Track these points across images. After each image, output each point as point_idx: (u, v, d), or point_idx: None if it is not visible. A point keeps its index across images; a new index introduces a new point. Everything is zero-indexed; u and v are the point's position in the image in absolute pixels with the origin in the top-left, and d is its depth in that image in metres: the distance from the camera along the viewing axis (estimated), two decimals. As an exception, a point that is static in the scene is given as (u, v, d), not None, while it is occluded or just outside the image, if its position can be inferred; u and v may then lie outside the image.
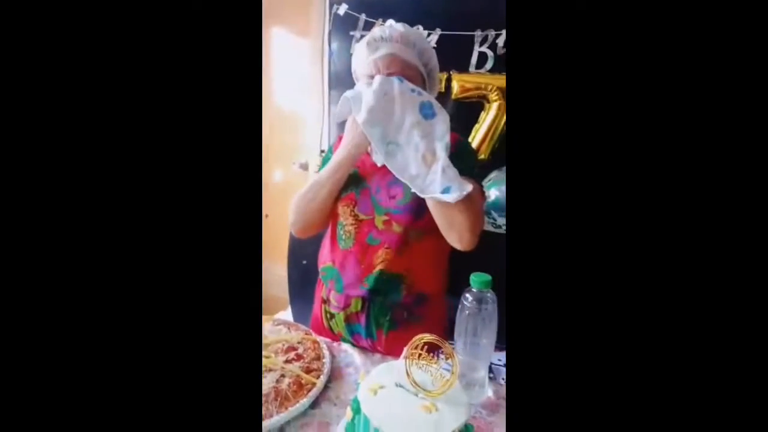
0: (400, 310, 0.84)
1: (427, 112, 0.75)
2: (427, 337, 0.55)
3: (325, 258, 0.90)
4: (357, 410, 0.54)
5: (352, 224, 0.84)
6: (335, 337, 0.88)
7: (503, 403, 0.69)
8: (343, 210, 0.85)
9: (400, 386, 0.55)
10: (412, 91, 0.75)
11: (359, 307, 0.85)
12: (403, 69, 0.78)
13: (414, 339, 0.55)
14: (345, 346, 0.84)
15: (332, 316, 0.89)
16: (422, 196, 0.72)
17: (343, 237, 0.85)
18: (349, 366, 0.77)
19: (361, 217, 0.84)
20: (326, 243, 0.91)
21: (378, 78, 0.75)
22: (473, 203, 0.74)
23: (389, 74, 0.76)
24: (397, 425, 0.50)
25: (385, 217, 0.82)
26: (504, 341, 0.71)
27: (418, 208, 0.78)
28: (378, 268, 0.82)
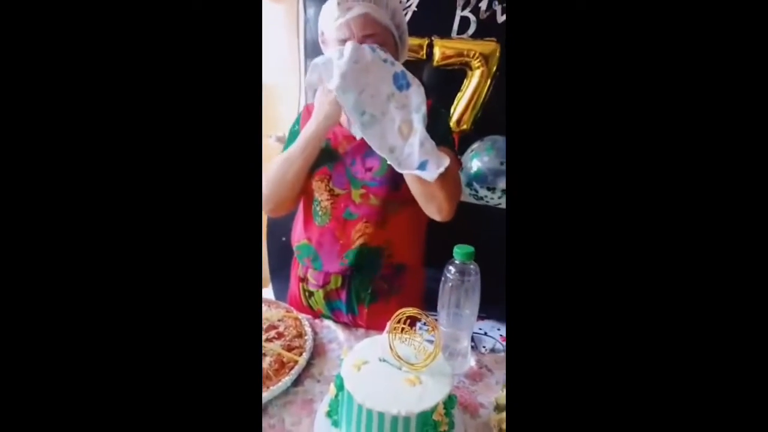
0: (380, 282, 0.83)
1: (401, 83, 0.72)
2: (410, 311, 0.54)
3: (299, 236, 0.87)
4: (340, 386, 0.53)
5: (327, 200, 0.81)
6: (315, 315, 0.87)
7: (485, 371, 0.69)
8: (317, 185, 0.82)
9: (384, 361, 0.55)
10: (385, 61, 0.72)
11: (339, 284, 0.84)
12: (377, 31, 0.73)
13: (397, 313, 0.54)
14: (327, 322, 0.82)
15: (311, 294, 0.87)
16: (400, 171, 0.70)
17: (319, 213, 0.83)
18: (332, 342, 0.76)
19: (337, 191, 0.81)
20: (299, 220, 0.88)
21: (349, 45, 0.71)
22: (450, 174, 0.72)
23: (363, 37, 0.72)
24: (381, 400, 0.49)
25: (362, 191, 0.80)
26: (485, 311, 0.72)
27: (395, 179, 0.76)
28: (358, 243, 0.80)
